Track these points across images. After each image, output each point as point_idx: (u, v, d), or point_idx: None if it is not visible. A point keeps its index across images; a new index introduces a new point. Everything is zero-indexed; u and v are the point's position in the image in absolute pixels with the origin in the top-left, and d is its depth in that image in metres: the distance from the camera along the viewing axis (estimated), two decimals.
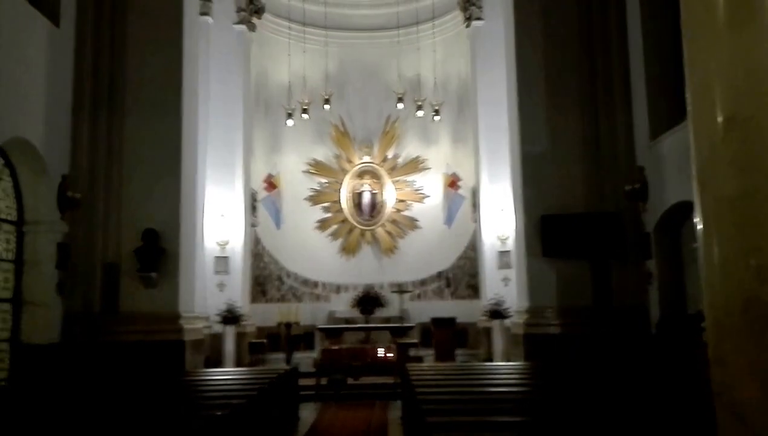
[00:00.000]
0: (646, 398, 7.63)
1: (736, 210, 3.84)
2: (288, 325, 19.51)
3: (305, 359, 16.94)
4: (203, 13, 18.37)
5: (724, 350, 3.90)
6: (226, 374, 12.02)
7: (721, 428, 3.91)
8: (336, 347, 16.93)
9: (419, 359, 16.94)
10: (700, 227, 4.16)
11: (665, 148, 12.98)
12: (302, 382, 14.05)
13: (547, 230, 14.23)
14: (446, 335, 18.56)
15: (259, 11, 21.20)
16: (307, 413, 13.35)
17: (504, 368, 12.26)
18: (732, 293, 3.83)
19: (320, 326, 20.34)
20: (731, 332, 3.83)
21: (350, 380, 15.73)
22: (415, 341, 18.54)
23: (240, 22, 20.49)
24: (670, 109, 13.19)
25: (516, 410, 6.63)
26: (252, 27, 20.92)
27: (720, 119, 3.91)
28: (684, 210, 12.42)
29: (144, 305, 14.01)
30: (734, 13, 3.91)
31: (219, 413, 6.47)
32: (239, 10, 20.52)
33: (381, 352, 16.34)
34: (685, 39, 4.33)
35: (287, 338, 19.39)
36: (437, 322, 18.95)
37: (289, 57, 21.57)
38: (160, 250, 14.11)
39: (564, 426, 5.94)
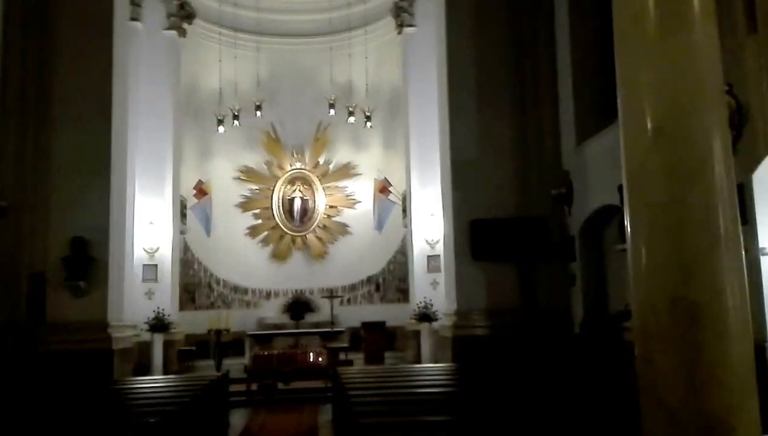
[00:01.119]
0: (569, 394, 7.84)
1: (663, 215, 4.07)
2: (218, 332, 19.34)
3: (235, 365, 16.82)
4: (133, 19, 18.10)
5: (651, 348, 4.11)
6: (156, 381, 11.91)
7: (647, 420, 4.13)
8: (267, 353, 16.89)
9: (349, 363, 17.02)
10: (628, 230, 4.38)
11: (590, 154, 13.30)
12: (233, 388, 13.97)
13: (476, 233, 14.46)
14: (376, 338, 18.70)
15: (189, 17, 20.95)
16: (238, 419, 13.28)
17: (432, 369, 12.39)
18: (659, 293, 4.07)
19: (250, 332, 20.25)
20: (658, 331, 4.05)
21: (281, 385, 15.71)
22: (345, 345, 18.63)
23: (170, 28, 20.23)
24: (595, 116, 13.54)
25: (445, 410, 6.76)
26: (182, 33, 20.66)
27: (649, 129, 4.11)
28: (607, 214, 12.73)
29: (72, 314, 13.91)
30: (663, 28, 4.12)
31: (152, 420, 6.45)
32: (170, 15, 20.25)
33: (311, 357, 16.35)
34: (617, 52, 4.54)
35: (217, 344, 19.24)
36: (367, 326, 19.07)
37: (220, 63, 21.35)
38: (89, 258, 13.99)
39: (491, 424, 6.11)
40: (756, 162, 8.34)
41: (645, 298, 4.17)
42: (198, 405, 8.82)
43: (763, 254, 8.16)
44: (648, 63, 4.16)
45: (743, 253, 4.14)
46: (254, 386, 15.42)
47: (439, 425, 6.02)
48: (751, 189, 8.40)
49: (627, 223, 4.38)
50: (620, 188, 9.20)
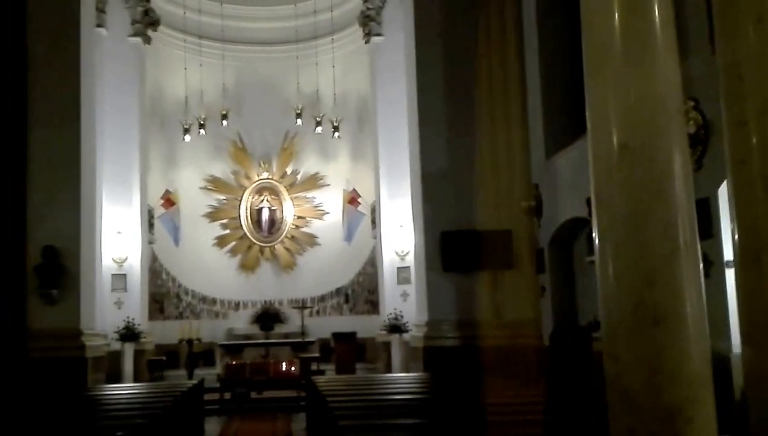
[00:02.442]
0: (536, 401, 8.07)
1: (627, 225, 4.48)
2: (189, 342, 19.39)
3: (206, 375, 16.86)
4: (98, 25, 17.97)
5: (616, 346, 4.53)
6: (133, 389, 12.00)
7: (612, 410, 4.56)
8: (239, 362, 16.99)
9: (321, 373, 17.11)
10: (596, 239, 4.79)
11: (559, 167, 13.48)
12: (206, 397, 14.08)
13: (446, 245, 14.60)
14: (347, 349, 18.83)
15: (154, 23, 20.76)
16: (212, 427, 13.43)
17: (405, 378, 12.65)
18: (623, 296, 4.49)
19: (221, 343, 20.32)
20: (623, 330, 4.48)
21: (254, 394, 15.82)
22: (316, 355, 18.71)
23: (135, 35, 20.10)
24: (564, 129, 13.68)
25: (419, 414, 7.04)
26: (147, 39, 20.49)
27: (615, 146, 4.52)
28: (576, 226, 12.93)
29: (44, 322, 13.87)
30: (629, 53, 4.54)
31: (139, 422, 6.58)
32: (134, 22, 20.08)
33: (284, 366, 16.46)
34: (586, 74, 4.97)
35: (189, 354, 19.28)
36: (338, 336, 19.20)
37: (185, 71, 21.26)
38: (60, 267, 13.94)
39: (462, 426, 6.35)
40: (722, 177, 8.55)
41: (611, 300, 4.57)
42: (176, 412, 8.93)
43: (728, 267, 8.32)
44: (615, 88, 4.57)
45: (701, 262, 4.49)
46: (227, 395, 15.52)
47: (415, 427, 6.28)
48: (716, 203, 8.58)
49: (595, 232, 4.76)
50: (588, 201, 9.44)
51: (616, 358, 4.47)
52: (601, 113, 4.65)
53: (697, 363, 4.32)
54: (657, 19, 4.54)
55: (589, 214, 9.32)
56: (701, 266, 4.50)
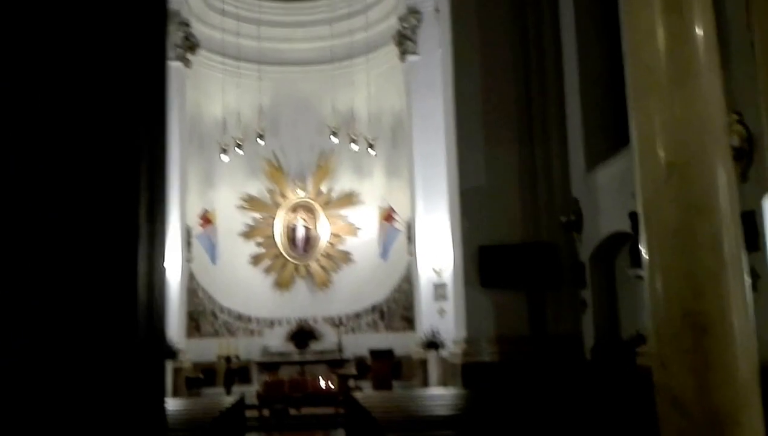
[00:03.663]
0: (580, 415, 8.01)
1: (675, 240, 4.64)
2: (228, 359, 19.52)
3: (244, 392, 16.89)
4: None
5: (666, 354, 4.69)
6: (177, 405, 12.05)
7: (662, 417, 4.70)
8: (278, 379, 17.08)
9: (359, 390, 17.10)
10: (644, 253, 4.89)
11: (600, 180, 13.39)
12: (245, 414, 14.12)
13: (484, 260, 14.53)
14: (384, 366, 18.78)
15: (194, 47, 21.27)
16: None
17: (445, 394, 12.57)
18: (672, 306, 4.64)
19: (258, 360, 20.44)
20: (672, 339, 4.64)
21: (292, 411, 15.87)
22: (353, 372, 18.71)
23: (176, 59, 20.52)
24: (604, 142, 13.61)
25: (460, 429, 6.98)
26: (187, 63, 20.97)
27: (662, 164, 4.67)
28: (618, 240, 12.84)
29: None
30: (674, 75, 4.69)
31: None
32: (175, 46, 20.52)
33: (322, 383, 16.52)
34: (631, 96, 5.26)
35: (227, 371, 19.39)
36: (375, 353, 19.17)
37: (222, 92, 21.70)
38: None
39: None
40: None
41: (660, 312, 4.73)
42: (218, 428, 8.97)
43: None
44: (660, 108, 4.73)
45: (748, 274, 4.61)
46: (266, 412, 15.58)
47: None
48: (762, 216, 8.50)
49: (644, 247, 4.85)
50: (632, 215, 9.43)
51: (666, 365, 4.61)
52: (647, 133, 4.80)
53: (745, 370, 4.46)
54: (701, 43, 4.71)
55: (632, 228, 9.34)
56: (748, 277, 4.61)
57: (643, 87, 4.82)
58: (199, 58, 21.77)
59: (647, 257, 4.77)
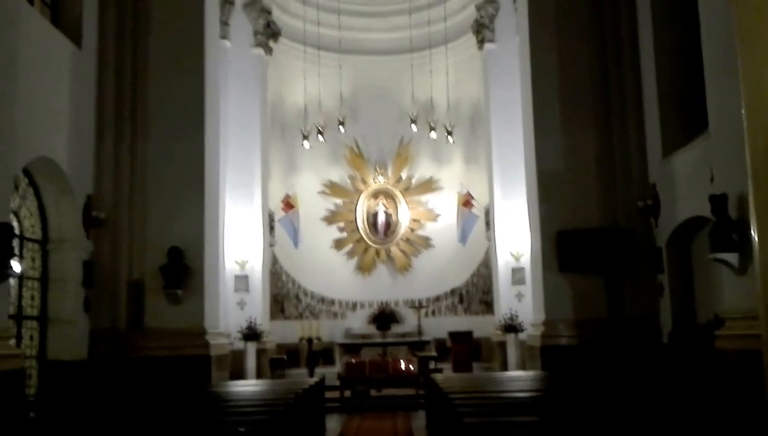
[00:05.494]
0: (655, 399, 8.01)
1: None
2: (309, 340, 19.92)
3: (326, 373, 17.24)
4: (222, 37, 18.57)
5: None
6: (255, 386, 12.39)
7: None
8: (359, 361, 17.33)
9: (439, 372, 17.29)
10: (753, 220, 4.57)
11: (677, 165, 13.28)
12: (326, 395, 14.42)
13: (563, 245, 14.50)
14: (464, 348, 18.98)
15: (275, 35, 21.63)
16: (333, 424, 13.76)
17: (524, 376, 12.67)
18: None
19: (340, 342, 20.84)
20: None
21: (373, 392, 16.14)
22: (434, 354, 18.92)
23: (257, 46, 20.91)
24: (681, 127, 13.51)
25: (539, 411, 7.05)
26: (269, 50, 21.34)
27: None
28: (695, 225, 12.73)
29: (169, 321, 14.03)
30: None
31: (261, 418, 6.88)
32: (256, 33, 20.90)
33: (402, 365, 16.72)
34: (739, 44, 4.72)
35: (309, 353, 19.79)
36: (455, 336, 19.38)
37: (304, 80, 22.06)
38: (185, 267, 14.13)
39: (584, 425, 6.34)
40: None
41: None
42: (297, 409, 9.23)
43: None
44: None
45: None
46: (347, 393, 15.86)
47: (537, 425, 6.26)
48: None
49: (752, 213, 4.54)
50: (712, 198, 9.34)
51: None
52: (756, 84, 4.43)
53: None
54: None
55: (713, 211, 9.25)
56: None
57: (751, 34, 4.52)
58: (281, 46, 22.12)
59: (756, 225, 4.54)
